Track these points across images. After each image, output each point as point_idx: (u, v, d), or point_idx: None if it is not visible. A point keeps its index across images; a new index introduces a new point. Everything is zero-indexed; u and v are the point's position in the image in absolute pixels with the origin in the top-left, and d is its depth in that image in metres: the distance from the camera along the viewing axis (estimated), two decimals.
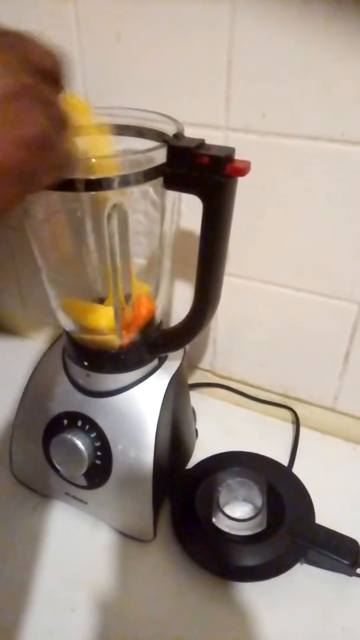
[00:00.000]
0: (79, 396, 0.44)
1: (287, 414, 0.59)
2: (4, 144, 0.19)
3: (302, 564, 0.43)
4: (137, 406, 0.43)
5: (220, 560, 0.43)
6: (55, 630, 0.40)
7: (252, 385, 0.60)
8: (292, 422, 0.58)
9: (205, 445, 0.54)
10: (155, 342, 0.44)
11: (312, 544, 0.42)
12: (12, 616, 0.41)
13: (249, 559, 0.42)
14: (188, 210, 0.47)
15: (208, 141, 0.33)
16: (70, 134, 0.22)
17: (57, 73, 0.22)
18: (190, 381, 0.61)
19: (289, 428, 0.58)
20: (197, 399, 0.57)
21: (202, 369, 0.62)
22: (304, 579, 0.43)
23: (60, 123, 0.22)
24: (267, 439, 0.56)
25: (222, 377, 0.62)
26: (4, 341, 0.73)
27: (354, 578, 0.42)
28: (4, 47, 0.19)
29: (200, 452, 0.53)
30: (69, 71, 0.23)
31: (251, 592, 0.42)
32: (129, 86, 0.46)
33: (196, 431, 0.56)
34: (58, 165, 0.22)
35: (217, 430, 0.57)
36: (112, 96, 0.47)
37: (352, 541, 0.43)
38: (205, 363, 0.62)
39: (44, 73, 0.21)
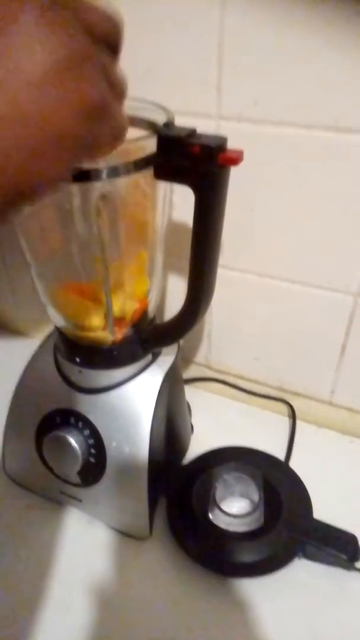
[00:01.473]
0: (72, 393, 0.43)
1: (284, 407, 0.58)
2: (64, 111, 0.18)
3: (300, 559, 0.43)
4: (131, 402, 0.43)
5: (218, 557, 0.42)
6: (50, 629, 0.40)
7: (247, 379, 0.59)
8: (289, 416, 0.58)
9: (201, 440, 0.54)
10: (148, 337, 0.43)
11: (309, 539, 0.42)
12: (7, 615, 0.41)
13: (247, 555, 0.42)
14: (180, 201, 0.46)
15: (199, 130, 0.32)
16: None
17: (115, 38, 0.21)
18: (186, 376, 0.60)
19: (285, 422, 0.57)
20: (193, 394, 0.57)
21: (197, 363, 0.62)
22: (302, 574, 0.43)
23: (119, 91, 0.21)
24: (263, 433, 0.55)
25: (217, 371, 0.61)
26: None
27: (353, 572, 0.42)
28: (62, 9, 0.18)
29: (196, 447, 0.53)
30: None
31: (249, 588, 0.42)
32: None
33: (192, 426, 0.56)
34: (115, 135, 0.22)
35: (212, 425, 0.57)
36: None
37: (350, 535, 0.42)
38: (200, 357, 0.61)
39: (101, 37, 0.20)
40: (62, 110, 0.18)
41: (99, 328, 0.39)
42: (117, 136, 0.22)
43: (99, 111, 0.20)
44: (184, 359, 0.61)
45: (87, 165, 0.29)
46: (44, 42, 0.17)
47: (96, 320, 0.39)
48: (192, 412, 0.56)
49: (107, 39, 0.21)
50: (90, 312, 0.39)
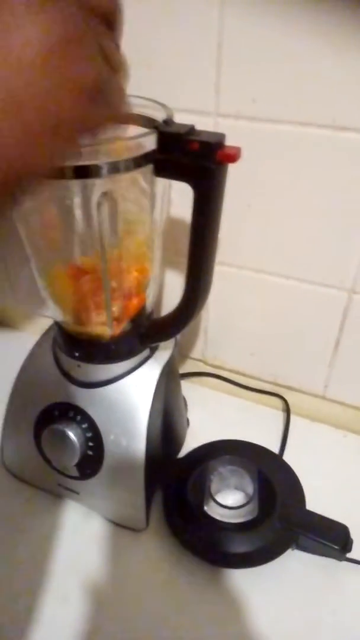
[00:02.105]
0: (70, 387, 0.44)
1: (278, 402, 0.59)
2: (60, 95, 0.18)
3: (293, 549, 0.44)
4: (129, 396, 0.43)
5: (213, 548, 0.43)
6: (48, 618, 0.40)
7: (243, 374, 0.60)
8: (283, 410, 0.59)
9: (197, 434, 0.54)
10: (146, 332, 0.43)
11: (303, 530, 0.43)
12: (5, 606, 0.41)
13: (241, 546, 0.43)
14: (178, 198, 0.46)
15: (198, 128, 0.33)
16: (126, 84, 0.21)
17: (114, 17, 0.21)
18: (182, 371, 0.61)
19: (280, 416, 0.58)
20: (189, 389, 0.57)
21: (193, 359, 0.62)
22: (295, 565, 0.44)
23: (117, 68, 0.21)
24: (258, 427, 0.56)
25: (213, 366, 0.62)
26: None
27: (344, 563, 0.43)
28: None
29: (192, 441, 0.53)
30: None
31: (243, 579, 0.43)
32: None
33: (187, 420, 0.56)
34: (114, 113, 0.21)
35: (208, 419, 0.57)
36: None
37: (342, 526, 0.43)
38: (196, 352, 0.62)
39: (100, 16, 0.19)
40: (58, 94, 0.18)
41: (98, 322, 0.40)
42: (116, 114, 0.21)
43: (97, 92, 0.19)
44: (180, 354, 0.62)
45: (87, 160, 0.30)
46: (35, 22, 0.16)
47: (96, 314, 0.39)
48: (188, 407, 0.57)
49: (103, 14, 0.20)
50: (90, 306, 0.40)
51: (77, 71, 0.18)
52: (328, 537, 0.42)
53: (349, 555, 0.43)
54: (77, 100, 0.18)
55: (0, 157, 0.17)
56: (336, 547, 0.42)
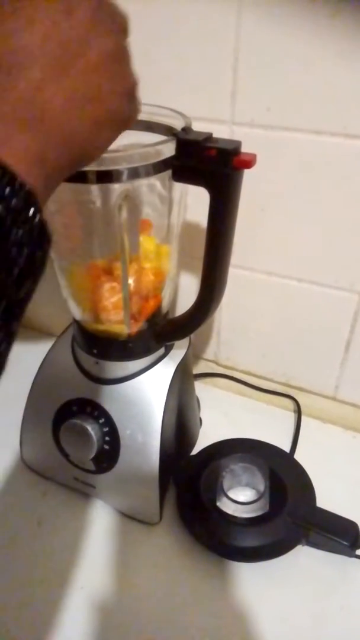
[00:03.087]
0: (88, 383, 0.45)
1: (289, 403, 0.60)
2: (115, 93, 0.23)
3: (303, 545, 0.45)
4: (144, 393, 0.45)
5: (224, 542, 0.44)
6: (64, 608, 0.42)
7: (255, 375, 0.61)
8: (294, 411, 0.60)
9: (209, 433, 0.56)
10: (161, 330, 0.45)
11: (313, 526, 0.44)
12: (23, 595, 0.43)
13: (252, 540, 0.44)
14: (194, 203, 0.48)
15: (214, 136, 0.35)
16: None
17: (127, 27, 0.25)
18: (195, 371, 0.62)
19: (291, 417, 0.59)
20: (202, 389, 0.59)
21: (206, 360, 0.64)
22: (305, 560, 0.44)
23: (137, 77, 0.26)
24: (269, 427, 0.57)
25: (225, 367, 0.63)
26: None
27: (354, 559, 0.44)
28: (106, 10, 0.22)
29: (204, 440, 0.55)
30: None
31: (254, 573, 0.44)
32: None
33: (200, 420, 0.58)
34: (137, 112, 0.26)
35: (220, 419, 0.59)
36: None
37: (352, 523, 0.44)
38: (209, 354, 0.63)
39: (126, 32, 0.24)
40: (114, 92, 0.23)
41: (116, 320, 0.41)
42: (137, 113, 0.27)
43: (134, 92, 0.25)
44: (193, 356, 0.63)
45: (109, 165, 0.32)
46: (97, 36, 0.21)
47: (114, 313, 0.41)
48: (201, 407, 0.58)
49: (123, 29, 0.24)
50: (108, 306, 0.42)
51: (125, 77, 0.24)
52: (338, 534, 0.43)
53: (358, 552, 0.44)
54: (124, 98, 0.24)
55: (75, 142, 0.21)
56: (346, 543, 0.43)
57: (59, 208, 0.37)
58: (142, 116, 0.40)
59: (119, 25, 0.23)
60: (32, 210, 0.18)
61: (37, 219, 0.19)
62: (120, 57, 0.23)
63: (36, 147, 0.19)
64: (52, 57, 0.20)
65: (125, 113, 0.24)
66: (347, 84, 0.40)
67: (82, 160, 0.23)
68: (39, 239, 0.19)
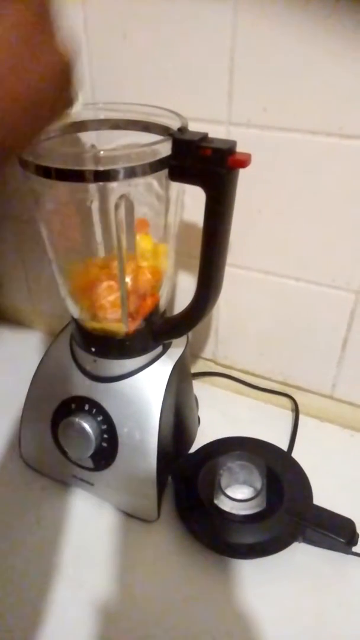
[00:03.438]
0: (86, 381, 0.46)
1: (287, 401, 0.60)
2: (35, 73, 0.21)
3: (300, 542, 0.45)
4: (142, 391, 0.45)
5: (222, 539, 0.45)
6: (62, 605, 0.42)
7: (252, 374, 0.62)
8: (292, 410, 0.60)
9: (207, 432, 0.56)
10: (159, 329, 0.45)
11: (309, 523, 0.44)
12: (20, 592, 0.43)
13: (250, 537, 0.44)
14: (191, 202, 0.48)
15: (210, 136, 0.35)
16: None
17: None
18: (193, 370, 0.63)
19: (289, 415, 0.60)
20: (200, 388, 0.59)
21: (204, 358, 0.64)
22: (302, 557, 0.45)
23: (72, 63, 0.23)
24: (267, 426, 0.57)
25: (223, 366, 0.63)
26: (12, 332, 0.75)
27: (350, 556, 0.44)
28: None
29: (203, 438, 0.55)
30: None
31: (251, 569, 0.44)
32: (135, 82, 0.48)
33: (198, 418, 0.58)
34: (69, 101, 0.24)
35: (218, 417, 0.59)
36: (118, 92, 0.48)
37: (349, 521, 0.44)
38: (207, 352, 0.63)
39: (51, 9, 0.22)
40: (34, 73, 0.20)
41: (113, 319, 0.42)
42: (70, 102, 0.25)
43: (67, 72, 0.22)
44: (192, 355, 0.63)
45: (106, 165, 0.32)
46: (7, 6, 0.19)
47: (111, 311, 0.42)
48: (199, 406, 0.59)
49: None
50: (105, 304, 0.42)
51: (51, 50, 0.21)
52: (335, 531, 0.44)
53: (355, 549, 0.44)
54: (50, 82, 0.21)
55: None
56: (342, 540, 0.43)
57: (57, 207, 0.38)
58: (140, 117, 0.41)
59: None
60: None
61: None
62: (41, 30, 0.20)
63: None
64: None
65: (50, 94, 0.22)
66: (343, 84, 0.40)
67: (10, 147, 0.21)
68: None
